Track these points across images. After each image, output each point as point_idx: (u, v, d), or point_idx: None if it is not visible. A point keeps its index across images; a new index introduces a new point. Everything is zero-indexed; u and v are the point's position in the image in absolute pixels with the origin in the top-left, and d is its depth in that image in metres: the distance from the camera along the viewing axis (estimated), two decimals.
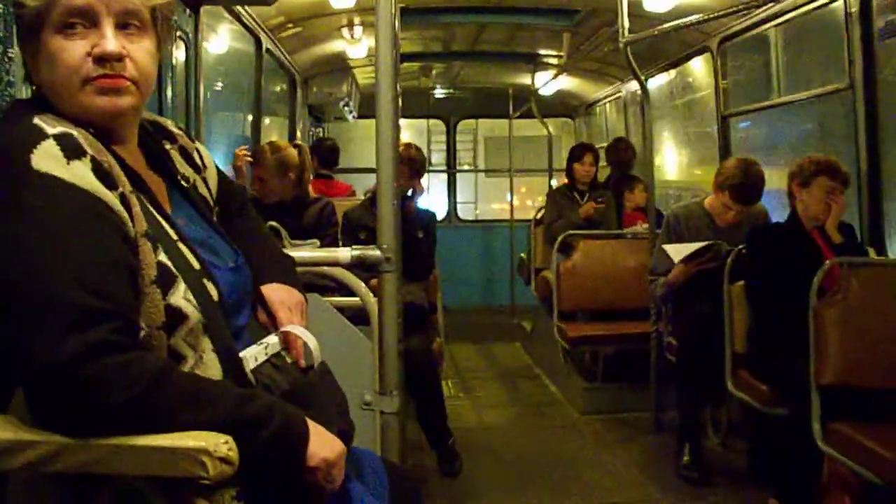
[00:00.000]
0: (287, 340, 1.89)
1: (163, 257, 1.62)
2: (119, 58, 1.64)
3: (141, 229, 1.60)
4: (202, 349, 1.66)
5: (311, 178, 5.25)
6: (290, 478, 1.63)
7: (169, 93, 4.54)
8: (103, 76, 1.63)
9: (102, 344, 1.44)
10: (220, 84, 6.31)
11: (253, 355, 1.77)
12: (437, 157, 12.20)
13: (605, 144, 8.65)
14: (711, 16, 5.23)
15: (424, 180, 5.53)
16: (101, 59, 1.62)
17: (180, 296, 1.62)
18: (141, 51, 1.69)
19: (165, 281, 1.61)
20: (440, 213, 11.33)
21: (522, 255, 9.23)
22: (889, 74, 4.72)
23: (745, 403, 4.45)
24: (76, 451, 1.48)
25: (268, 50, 6.59)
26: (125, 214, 1.57)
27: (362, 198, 5.97)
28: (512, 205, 10.97)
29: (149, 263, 1.59)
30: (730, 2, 5.04)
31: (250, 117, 6.68)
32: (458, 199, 12.25)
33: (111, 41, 1.63)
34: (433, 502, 4.52)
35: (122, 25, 1.66)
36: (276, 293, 2.00)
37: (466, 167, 12.79)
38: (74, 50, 1.62)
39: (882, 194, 4.76)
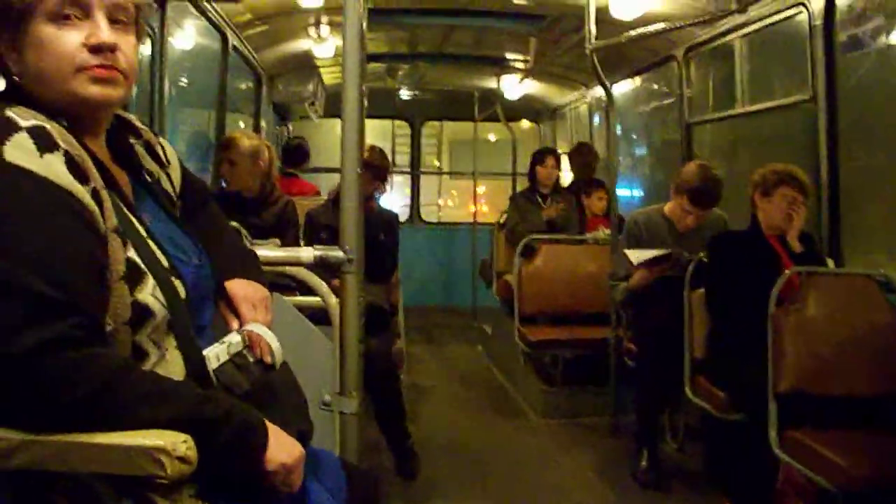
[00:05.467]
0: (249, 339, 1.88)
1: (132, 254, 1.62)
2: (113, 48, 1.66)
3: (111, 225, 1.59)
4: (166, 347, 1.66)
5: (278, 175, 5.24)
6: (249, 480, 1.62)
7: (133, 87, 4.49)
8: (99, 66, 1.65)
9: (62, 338, 1.44)
10: (184, 80, 6.26)
11: (215, 354, 1.76)
12: (402, 159, 12.18)
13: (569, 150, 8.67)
14: (677, 25, 5.26)
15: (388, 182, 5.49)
16: (97, 49, 1.64)
17: (148, 292, 1.62)
18: (128, 44, 1.72)
19: (134, 277, 1.60)
20: (403, 215, 11.33)
21: (485, 257, 9.24)
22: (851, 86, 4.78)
23: (702, 409, 4.47)
24: (32, 448, 1.47)
25: (234, 47, 6.54)
26: (96, 209, 1.57)
27: (326, 198, 5.95)
28: (475, 207, 10.96)
29: (118, 259, 1.58)
30: (696, 12, 5.07)
31: (214, 114, 6.63)
32: (422, 200, 12.22)
33: (106, 32, 1.66)
34: (391, 503, 4.51)
35: (111, 20, 1.68)
36: (240, 289, 2.00)
37: (431, 169, 12.77)
38: (69, 38, 1.64)
39: (841, 205, 4.80)
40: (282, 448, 1.65)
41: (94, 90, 1.66)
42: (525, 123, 11.77)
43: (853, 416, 3.60)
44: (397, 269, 5.60)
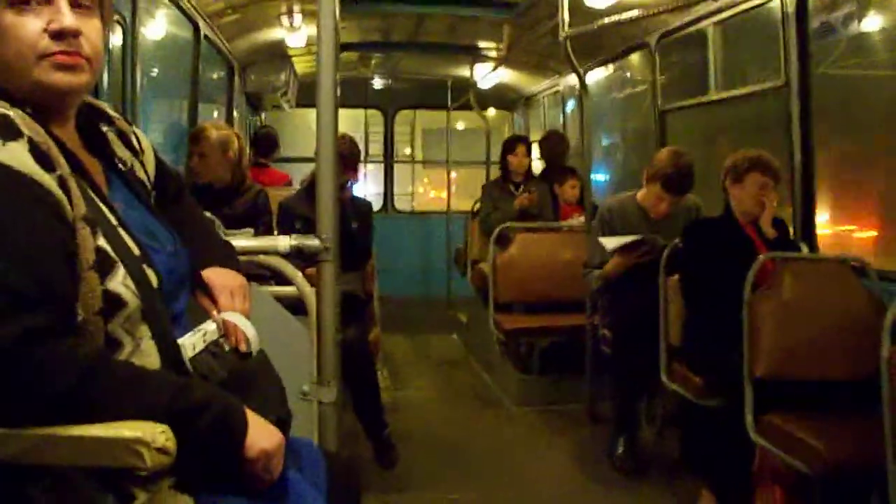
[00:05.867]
0: (226, 327, 1.87)
1: (102, 242, 1.59)
2: (76, 34, 1.62)
3: (79, 213, 1.56)
4: (140, 336, 1.63)
5: (248, 165, 5.20)
6: (229, 468, 1.61)
7: (105, 77, 4.45)
8: (61, 52, 1.61)
9: (38, 331, 1.41)
10: (156, 70, 6.20)
11: (191, 343, 1.74)
12: (375, 148, 12.15)
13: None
14: (651, 12, 5.26)
15: (361, 171, 5.47)
16: (59, 35, 1.61)
17: (119, 281, 1.59)
18: (93, 30, 1.68)
19: (104, 266, 1.57)
20: (377, 204, 11.29)
21: (459, 246, 9.23)
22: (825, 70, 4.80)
23: (679, 395, 4.49)
24: (8, 442, 1.45)
25: (206, 36, 6.48)
26: (63, 197, 1.54)
27: (298, 187, 5.92)
28: (449, 196, 10.95)
29: (87, 248, 1.55)
30: None
31: (187, 104, 6.58)
32: (396, 189, 12.19)
33: (69, 17, 1.62)
34: (368, 492, 4.50)
35: (74, 4, 1.64)
36: (218, 277, 1.98)
37: (404, 158, 12.74)
38: (30, 25, 1.60)
39: (815, 191, 4.82)
40: (262, 434, 1.64)
41: (58, 77, 1.63)
42: (499, 112, 11.75)
43: (829, 401, 3.63)
44: (372, 257, 5.58)
